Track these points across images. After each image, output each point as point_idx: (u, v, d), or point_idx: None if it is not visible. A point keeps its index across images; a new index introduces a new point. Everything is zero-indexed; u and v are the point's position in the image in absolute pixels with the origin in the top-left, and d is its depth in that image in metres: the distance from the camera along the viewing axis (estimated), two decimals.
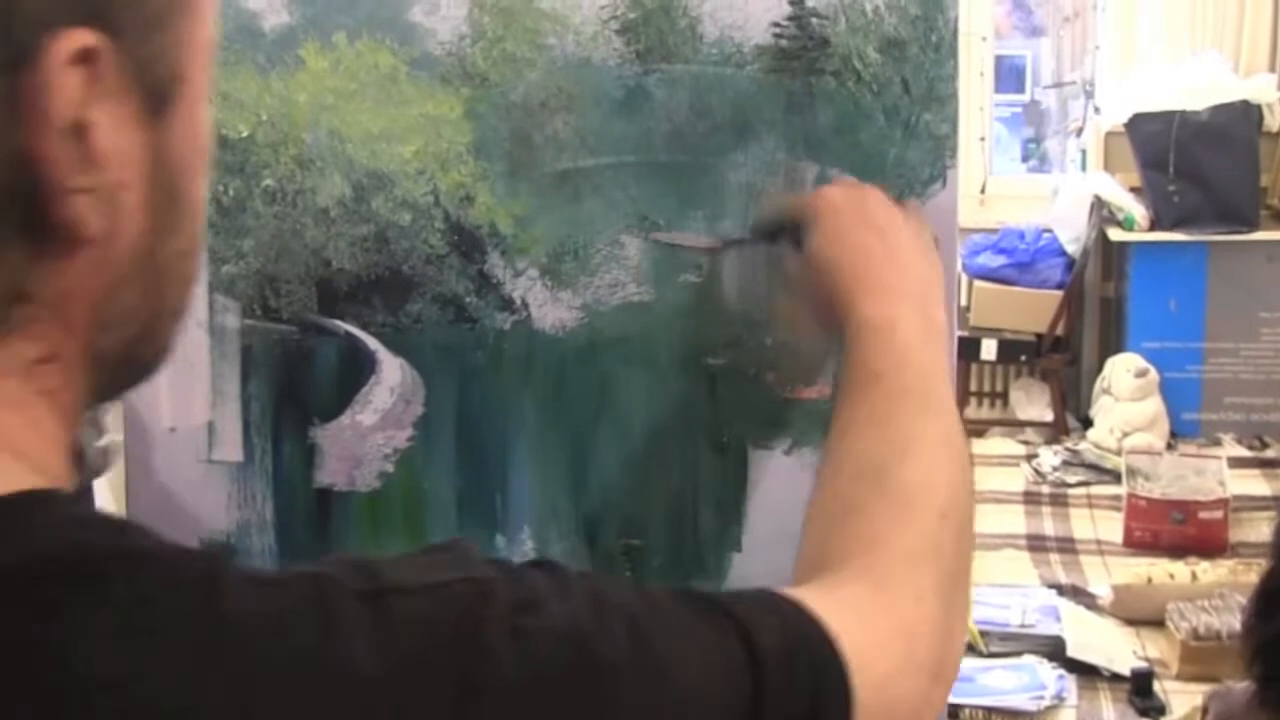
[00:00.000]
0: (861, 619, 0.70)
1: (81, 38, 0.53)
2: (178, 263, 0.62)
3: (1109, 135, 5.19)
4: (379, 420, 1.22)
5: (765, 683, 0.62)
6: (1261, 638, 1.25)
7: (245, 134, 1.18)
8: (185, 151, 0.60)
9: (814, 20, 1.15)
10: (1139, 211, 4.96)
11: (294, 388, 1.22)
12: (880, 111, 1.16)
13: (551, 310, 1.20)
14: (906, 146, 1.17)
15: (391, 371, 1.21)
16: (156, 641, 0.50)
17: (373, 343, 1.21)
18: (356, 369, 1.22)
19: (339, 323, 1.21)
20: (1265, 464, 4.75)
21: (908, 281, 0.99)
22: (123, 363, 0.62)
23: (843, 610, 0.68)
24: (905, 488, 0.83)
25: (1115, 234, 5.02)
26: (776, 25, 1.16)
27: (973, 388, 5.35)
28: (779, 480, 1.20)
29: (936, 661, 0.75)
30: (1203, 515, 3.89)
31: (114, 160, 0.55)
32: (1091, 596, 3.64)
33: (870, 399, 0.91)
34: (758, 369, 1.19)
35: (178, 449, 1.22)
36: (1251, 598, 1.28)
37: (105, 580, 0.51)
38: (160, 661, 0.50)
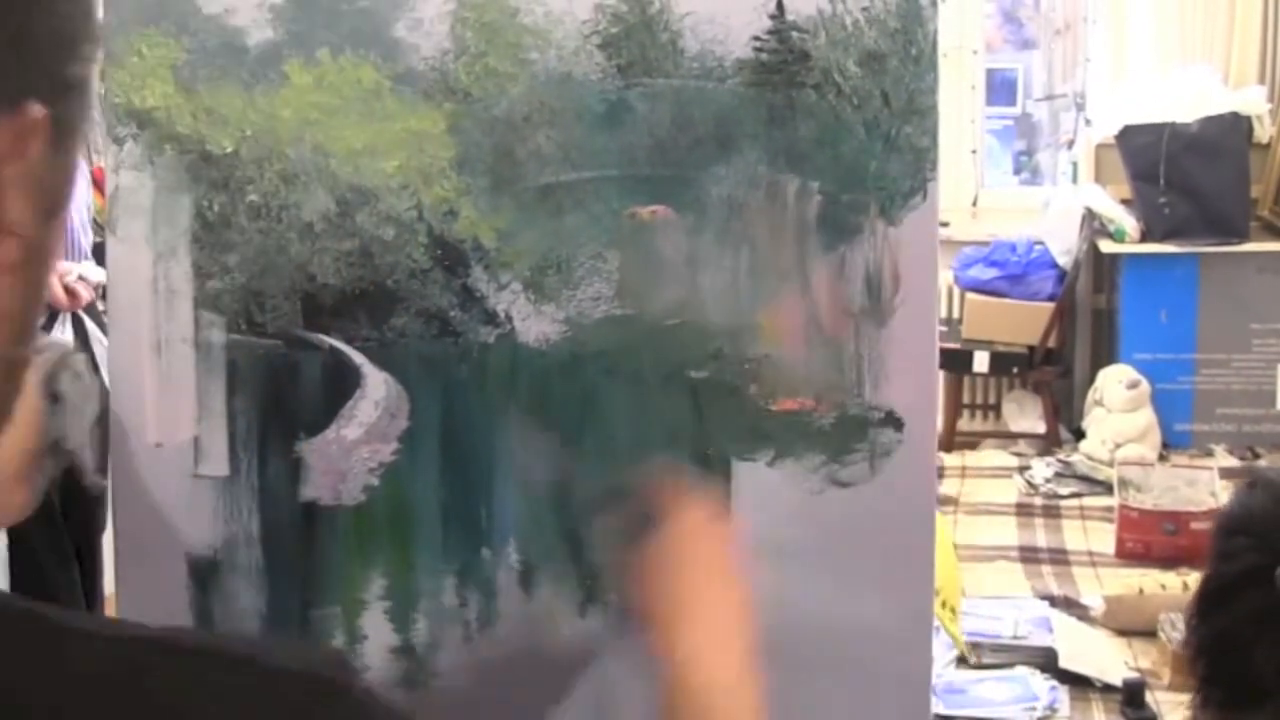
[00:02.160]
0: None
1: None
2: None
3: (1100, 147, 5.19)
4: (364, 434, 1.22)
5: None
6: (1202, 638, 1.27)
7: (229, 149, 1.19)
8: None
9: (794, 34, 1.16)
10: (1130, 223, 4.96)
11: (279, 402, 1.23)
12: (861, 124, 1.17)
13: (535, 324, 1.20)
14: (887, 159, 1.17)
15: (376, 385, 1.22)
16: None
17: (357, 357, 1.22)
18: (341, 383, 1.22)
19: (324, 337, 1.21)
20: None
21: None
22: None
23: None
24: None
25: (1106, 246, 5.02)
26: (757, 39, 1.16)
27: (965, 400, 5.34)
28: (762, 492, 1.21)
29: None
30: (1195, 526, 3.87)
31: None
32: (1083, 607, 3.64)
33: None
34: (740, 381, 1.20)
35: (164, 464, 1.23)
36: (1192, 600, 1.29)
37: None
38: None
